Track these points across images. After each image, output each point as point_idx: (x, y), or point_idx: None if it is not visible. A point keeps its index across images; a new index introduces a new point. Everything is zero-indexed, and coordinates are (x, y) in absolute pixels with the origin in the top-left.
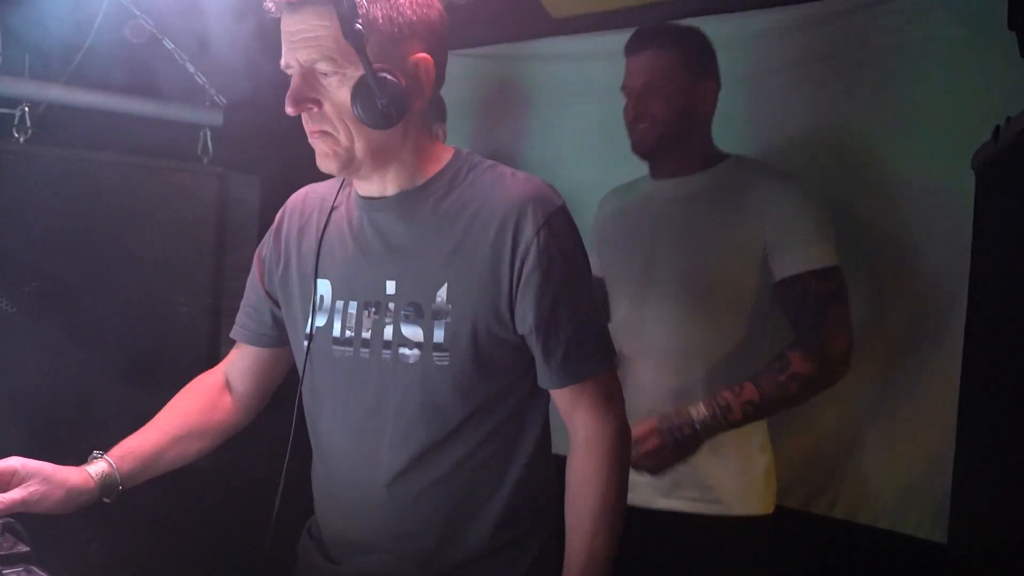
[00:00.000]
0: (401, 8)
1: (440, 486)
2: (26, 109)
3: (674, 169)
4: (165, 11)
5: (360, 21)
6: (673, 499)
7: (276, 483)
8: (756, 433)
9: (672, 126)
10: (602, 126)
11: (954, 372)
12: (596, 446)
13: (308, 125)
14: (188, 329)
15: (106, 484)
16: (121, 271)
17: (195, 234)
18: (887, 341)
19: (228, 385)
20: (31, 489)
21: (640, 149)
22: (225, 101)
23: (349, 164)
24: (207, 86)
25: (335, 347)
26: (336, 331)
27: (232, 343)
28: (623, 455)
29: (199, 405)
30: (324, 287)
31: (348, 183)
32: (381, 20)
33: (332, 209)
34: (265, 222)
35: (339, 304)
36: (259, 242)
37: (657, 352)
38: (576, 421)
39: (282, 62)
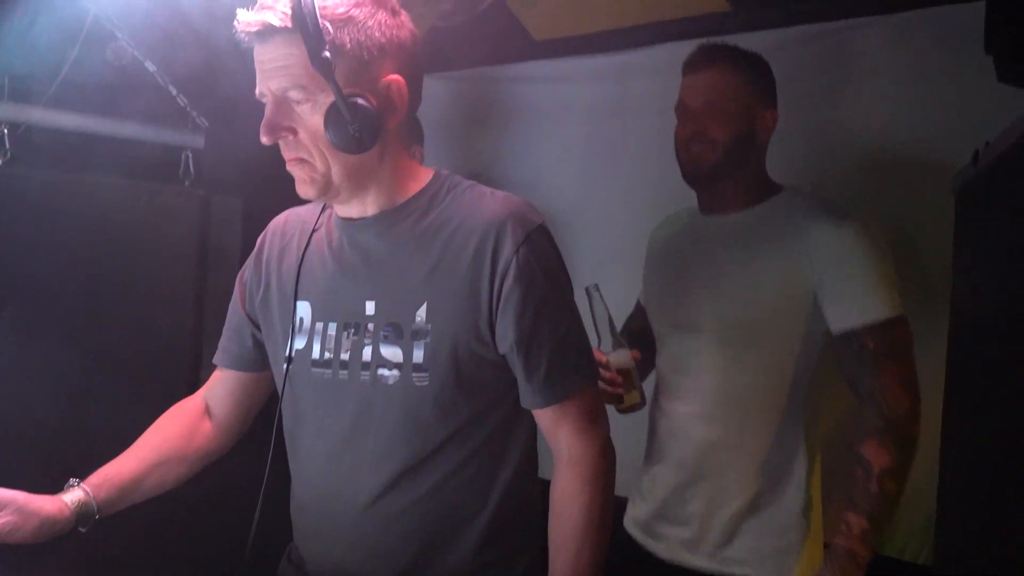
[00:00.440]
0: (370, 31)
1: (421, 507)
2: (5, 131)
3: (724, 203)
4: (147, 33)
5: (327, 48)
6: (698, 556)
7: (254, 508)
8: (797, 492)
9: (730, 152)
10: (584, 148)
11: (936, 398)
12: (580, 465)
13: (285, 153)
14: (169, 352)
15: (82, 513)
16: (101, 293)
17: (176, 256)
18: None
19: (208, 410)
20: (4, 520)
21: (692, 175)
22: (207, 123)
23: (327, 190)
24: (189, 108)
25: (314, 369)
26: (315, 353)
27: (214, 367)
28: (607, 473)
29: (178, 431)
30: (304, 309)
31: (329, 205)
32: (349, 45)
33: (313, 231)
34: (248, 244)
35: (319, 326)
36: (241, 264)
37: (695, 398)
38: (559, 440)
39: (256, 91)
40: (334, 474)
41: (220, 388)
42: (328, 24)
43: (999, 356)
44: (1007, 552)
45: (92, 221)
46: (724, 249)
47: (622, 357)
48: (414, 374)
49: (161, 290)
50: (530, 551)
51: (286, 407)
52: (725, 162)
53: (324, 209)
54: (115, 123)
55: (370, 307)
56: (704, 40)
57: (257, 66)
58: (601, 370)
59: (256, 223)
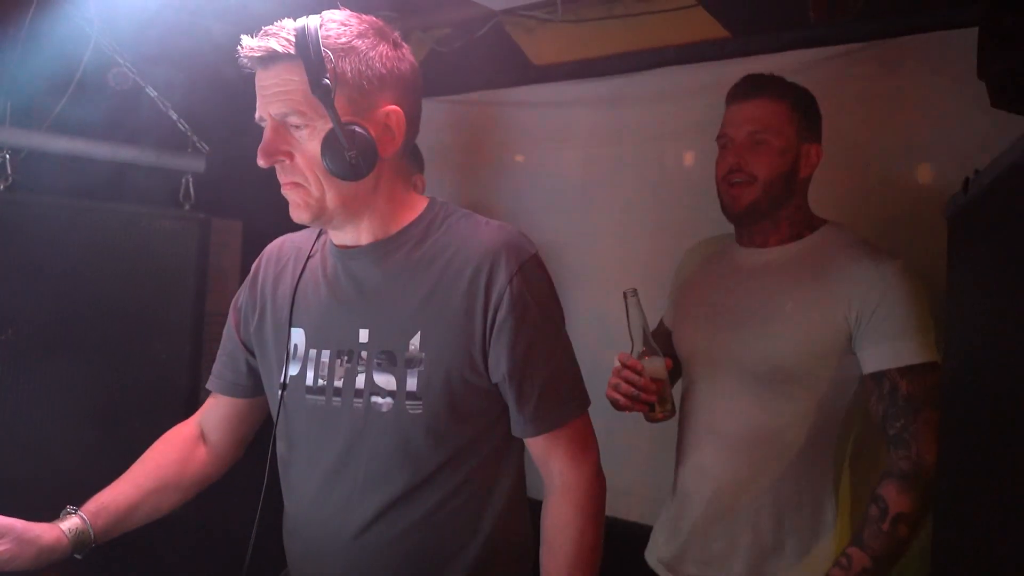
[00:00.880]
0: (371, 62)
1: (412, 535)
2: (7, 156)
3: (763, 239)
4: (148, 59)
5: (328, 76)
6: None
7: (248, 535)
8: (825, 538)
9: (772, 188)
10: (582, 172)
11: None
12: (571, 493)
13: (281, 177)
14: (167, 376)
15: (79, 541)
16: (101, 317)
17: (176, 281)
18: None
19: (203, 436)
20: (2, 548)
21: (732, 210)
22: (207, 148)
23: (321, 215)
24: (189, 133)
25: (308, 396)
26: (309, 380)
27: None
28: (599, 501)
29: (174, 457)
30: (298, 336)
31: (324, 232)
32: (350, 74)
33: (308, 258)
34: (247, 267)
35: (312, 353)
36: (239, 290)
37: (722, 434)
38: (551, 468)
39: (256, 115)
40: (326, 501)
41: (215, 414)
42: (330, 52)
43: (993, 386)
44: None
45: (93, 245)
46: (762, 284)
47: (656, 365)
48: (407, 402)
49: (161, 313)
50: None
51: (280, 433)
52: (765, 199)
53: (319, 236)
54: (116, 148)
55: (364, 335)
56: (747, 71)
57: (258, 91)
58: (635, 377)
59: (256, 246)
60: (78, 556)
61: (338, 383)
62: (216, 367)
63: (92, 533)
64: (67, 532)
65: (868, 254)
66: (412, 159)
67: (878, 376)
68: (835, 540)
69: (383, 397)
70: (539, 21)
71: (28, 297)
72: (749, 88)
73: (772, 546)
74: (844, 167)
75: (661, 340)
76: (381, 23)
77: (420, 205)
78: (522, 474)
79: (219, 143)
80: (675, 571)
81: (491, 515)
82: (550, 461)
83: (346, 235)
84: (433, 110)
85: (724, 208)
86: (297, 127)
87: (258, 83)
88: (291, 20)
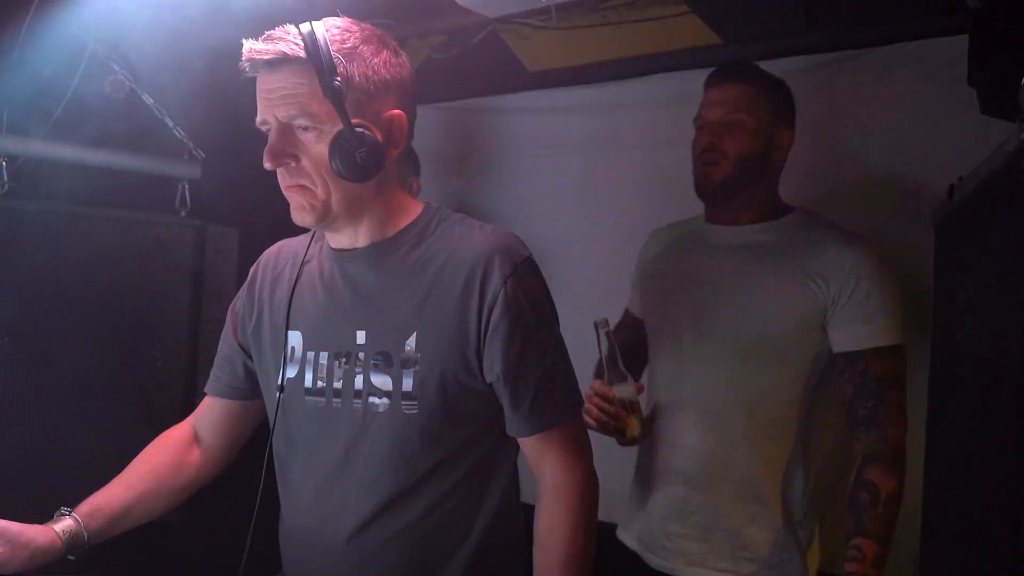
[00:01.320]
0: (376, 67)
1: (406, 536)
2: (3, 164)
3: (734, 217)
4: (144, 66)
5: (339, 79)
6: (701, 569)
7: (244, 537)
8: (798, 504)
9: (743, 166)
10: (576, 178)
11: (921, 430)
12: (564, 494)
13: (284, 180)
14: (163, 382)
15: (73, 542)
16: (97, 324)
17: (172, 287)
18: None
19: (197, 438)
20: None
21: (704, 186)
22: (203, 154)
23: (325, 216)
24: (185, 140)
25: (307, 397)
26: (308, 382)
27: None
28: (591, 502)
29: (167, 459)
30: (295, 338)
31: (320, 237)
32: (358, 78)
33: (304, 262)
34: (244, 273)
35: (310, 355)
36: (236, 294)
37: (698, 411)
38: (544, 469)
39: (258, 119)
40: (323, 502)
41: (210, 416)
42: (339, 56)
43: (980, 391)
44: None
45: (89, 252)
46: (731, 261)
47: (626, 391)
48: (403, 402)
49: (156, 319)
50: None
51: (278, 435)
52: (738, 176)
53: (315, 240)
54: (112, 155)
55: (361, 336)
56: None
57: (261, 94)
58: (606, 404)
59: (252, 252)
60: (71, 557)
61: (337, 384)
62: (213, 371)
63: (85, 534)
64: (60, 534)
65: (844, 236)
66: (409, 161)
67: (851, 356)
68: (807, 510)
69: (380, 398)
70: (534, 28)
71: (24, 304)
72: (725, 73)
73: (749, 517)
74: (836, 173)
75: (627, 331)
76: (381, 31)
77: (416, 209)
78: (515, 477)
79: (215, 150)
80: (651, 547)
81: (484, 516)
82: (544, 462)
83: (344, 238)
84: (429, 117)
85: (697, 186)
86: (304, 129)
87: (262, 86)
88: (293, 25)
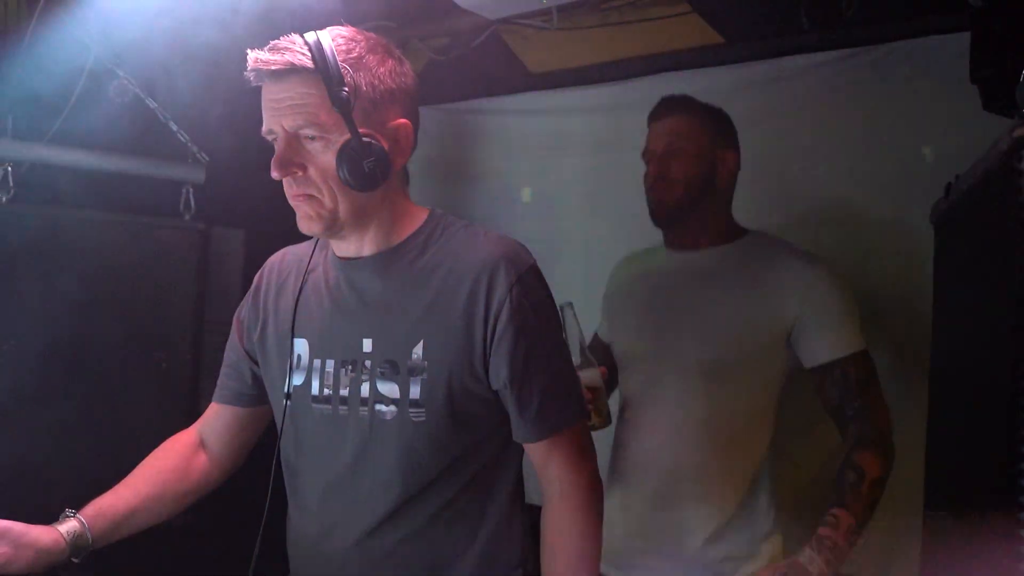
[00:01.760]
0: (382, 77)
1: (413, 542)
2: (9, 169)
3: (691, 241)
4: (148, 71)
5: (346, 89)
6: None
7: (251, 542)
8: (763, 520)
9: (691, 189)
10: (580, 180)
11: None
12: (571, 498)
13: (291, 189)
14: (168, 385)
15: (77, 544)
16: (102, 327)
17: (176, 290)
18: None
19: (203, 444)
20: (0, 551)
21: (658, 212)
22: (207, 158)
23: (332, 225)
24: (189, 144)
25: (315, 405)
26: (315, 389)
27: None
28: (597, 506)
29: (173, 465)
30: (301, 346)
31: (325, 244)
32: (364, 88)
33: (309, 270)
34: (249, 277)
35: (316, 363)
36: (242, 297)
37: (661, 430)
38: (550, 473)
39: (264, 128)
40: (331, 508)
41: (216, 422)
42: (346, 66)
43: (981, 390)
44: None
45: (94, 255)
46: (692, 284)
47: (591, 375)
48: (411, 410)
49: (161, 322)
50: None
51: (286, 442)
52: (686, 200)
53: (320, 248)
54: (117, 159)
55: (367, 344)
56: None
57: (267, 104)
58: None
59: (258, 255)
60: (75, 560)
61: (344, 392)
62: (220, 379)
63: (90, 537)
64: (65, 535)
65: (800, 257)
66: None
67: (829, 366)
68: (772, 525)
69: (387, 405)
70: (535, 29)
71: (30, 308)
72: (664, 108)
73: (713, 533)
74: (836, 171)
75: (598, 353)
76: (385, 40)
77: (421, 216)
78: (520, 482)
79: (219, 153)
80: (618, 565)
81: (490, 521)
82: (550, 467)
83: (349, 246)
84: (431, 119)
85: (652, 213)
86: (311, 139)
87: (268, 96)
88: (298, 35)
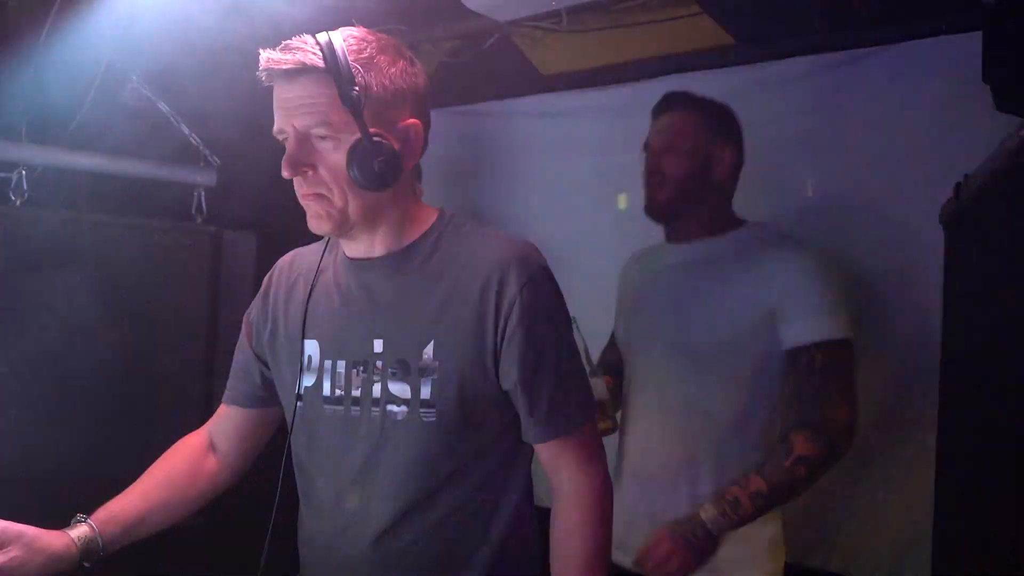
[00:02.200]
0: (393, 77)
1: (424, 542)
2: (23, 173)
3: (687, 233)
4: (160, 75)
5: (357, 88)
6: None
7: (261, 543)
8: None
9: (685, 185)
10: (591, 182)
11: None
12: (581, 498)
13: (301, 188)
14: (181, 388)
15: (88, 549)
16: (115, 331)
17: (189, 293)
18: (869, 400)
19: (213, 446)
20: (11, 555)
21: (652, 206)
22: (219, 161)
23: (343, 225)
24: (200, 147)
25: (326, 406)
26: (326, 390)
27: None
28: (607, 507)
29: (183, 468)
30: (312, 347)
31: (334, 245)
32: (375, 88)
33: (319, 271)
34: (262, 279)
35: (327, 364)
36: (251, 303)
37: (662, 416)
38: (561, 474)
39: (275, 128)
40: (343, 508)
41: (227, 424)
42: (357, 66)
43: (991, 389)
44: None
45: (107, 259)
46: (685, 275)
47: (596, 385)
48: (422, 410)
49: (174, 325)
50: None
51: (297, 443)
52: (679, 196)
53: (330, 249)
54: (129, 163)
55: (378, 345)
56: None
57: (279, 104)
58: None
59: (270, 258)
60: (86, 564)
61: (356, 392)
62: (230, 381)
63: (101, 541)
64: (76, 540)
65: (786, 243)
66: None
67: (797, 352)
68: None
69: (398, 406)
70: (545, 31)
71: (44, 310)
72: (665, 104)
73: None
74: (848, 172)
75: (613, 351)
76: (396, 40)
77: (430, 217)
78: (530, 482)
79: (230, 156)
80: (622, 547)
81: (500, 522)
82: (559, 467)
83: (359, 246)
84: (443, 121)
85: (647, 207)
86: (322, 139)
87: (280, 95)
88: (310, 35)
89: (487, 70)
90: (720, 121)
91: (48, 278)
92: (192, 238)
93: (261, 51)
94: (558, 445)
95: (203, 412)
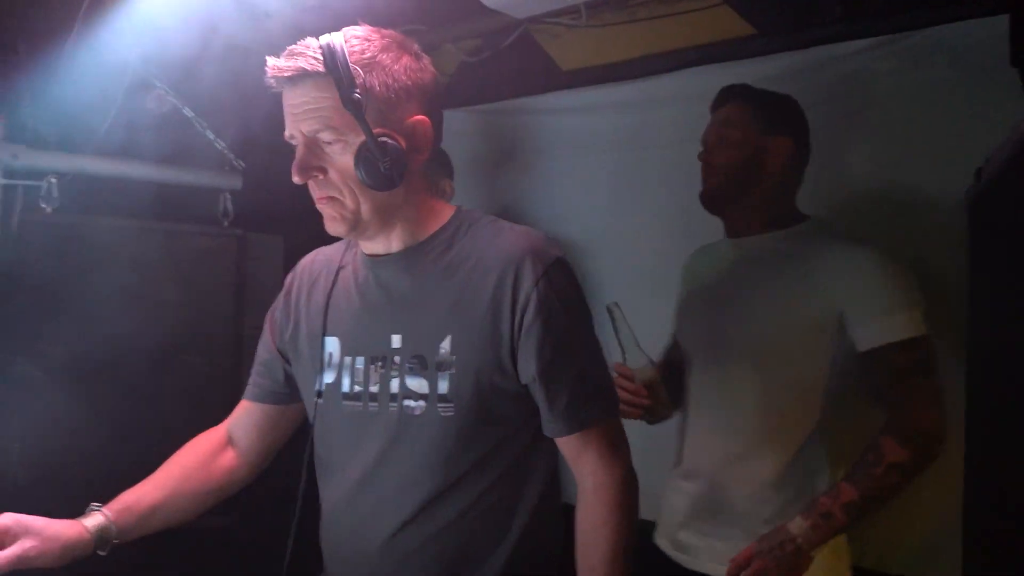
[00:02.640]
0: (396, 75)
1: (442, 538)
2: (53, 181)
3: (743, 227)
4: (184, 82)
5: (358, 91)
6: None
7: (285, 541)
8: (820, 486)
9: (735, 177)
10: (612, 178)
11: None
12: (604, 493)
13: (315, 192)
14: (208, 389)
15: (102, 537)
16: (144, 333)
17: (215, 296)
18: None
19: (232, 442)
20: (26, 545)
21: (703, 199)
22: (244, 165)
23: (357, 225)
24: (226, 151)
25: (345, 402)
26: (345, 386)
27: None
28: (631, 501)
29: (199, 462)
30: (332, 344)
31: (355, 243)
32: (378, 88)
33: (339, 269)
34: None
35: (347, 360)
36: (274, 302)
37: (721, 413)
38: (583, 468)
39: (286, 134)
40: (361, 504)
41: (247, 420)
42: (358, 68)
43: (1019, 370)
44: None
45: (135, 263)
46: (747, 270)
47: (646, 371)
48: (439, 405)
49: (201, 328)
50: None
51: (318, 440)
52: (729, 187)
53: (350, 247)
54: (156, 169)
55: (396, 340)
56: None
57: (287, 110)
58: (626, 383)
59: (296, 261)
60: (101, 552)
61: (373, 388)
62: (252, 377)
63: (114, 531)
64: (90, 529)
65: (852, 242)
66: (440, 165)
67: (873, 354)
68: None
69: (416, 401)
70: (566, 27)
71: (75, 314)
72: (721, 98)
73: (770, 517)
74: (871, 161)
75: (675, 351)
76: (402, 36)
77: (447, 212)
78: (554, 478)
79: (256, 160)
80: (680, 547)
81: (522, 516)
82: (582, 462)
83: (377, 244)
84: (464, 120)
85: (701, 199)
86: (329, 143)
87: (287, 102)
88: (314, 39)
89: (508, 68)
90: (776, 113)
91: (79, 282)
92: (218, 241)
93: (268, 58)
94: (579, 439)
95: (229, 411)
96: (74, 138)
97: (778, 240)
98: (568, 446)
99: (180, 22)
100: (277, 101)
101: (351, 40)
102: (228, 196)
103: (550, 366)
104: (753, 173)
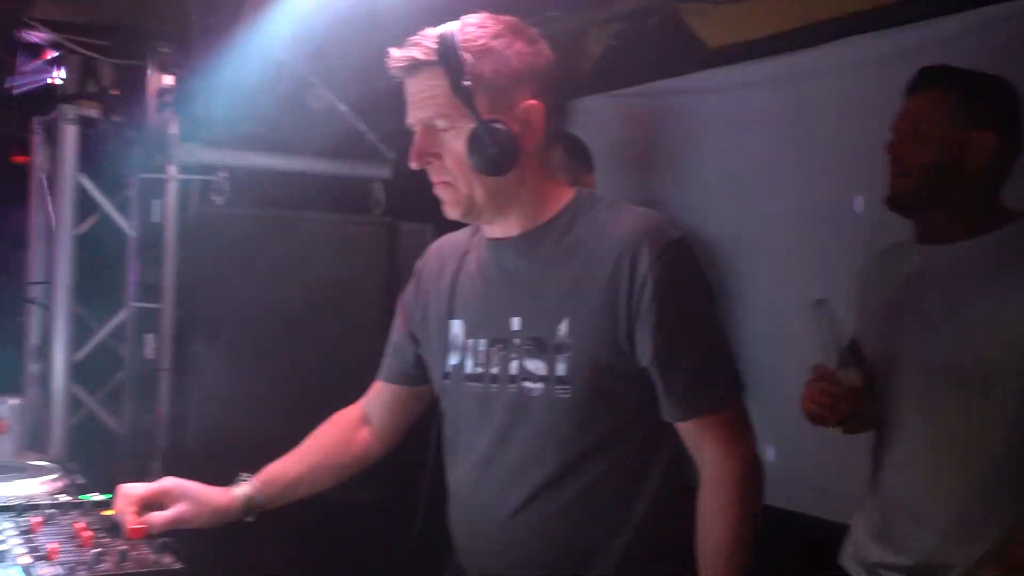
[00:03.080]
0: (508, 60)
1: (562, 519)
2: (224, 175)
3: (940, 233)
4: (330, 74)
5: (468, 78)
6: None
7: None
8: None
9: (928, 178)
10: (763, 157)
11: None
12: (725, 480)
13: (432, 177)
14: (361, 373)
15: (249, 506)
16: (304, 318)
17: (368, 281)
18: None
19: (367, 419)
20: (182, 509)
21: (891, 201)
22: (394, 155)
23: (471, 210)
24: (377, 142)
25: (468, 383)
26: (468, 368)
27: None
28: (753, 489)
29: (338, 438)
30: (458, 327)
31: (479, 229)
32: (488, 74)
33: (465, 253)
34: None
35: (471, 342)
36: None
37: (911, 446)
38: (704, 455)
39: (407, 121)
40: (483, 482)
41: (379, 400)
42: (469, 55)
43: None
44: None
45: (294, 251)
46: (952, 282)
47: (851, 376)
48: (557, 387)
49: (355, 313)
50: (676, 566)
51: (446, 419)
52: (925, 189)
53: (476, 232)
54: (315, 161)
55: (515, 323)
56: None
57: (407, 98)
58: (827, 386)
59: None
60: (250, 519)
61: (495, 370)
62: (385, 359)
63: (261, 500)
64: (239, 497)
65: None
66: (579, 159)
67: None
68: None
69: (534, 382)
70: (711, 3)
71: (241, 300)
72: (917, 81)
73: (963, 554)
74: None
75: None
76: (517, 21)
77: (566, 196)
78: (678, 464)
79: (407, 150)
80: (866, 566)
81: (642, 505)
82: (702, 448)
83: (497, 228)
84: (609, 106)
85: (886, 198)
86: (443, 129)
87: (407, 91)
88: (431, 28)
89: (653, 49)
90: (983, 101)
91: (244, 270)
92: (371, 229)
93: (390, 49)
94: (699, 424)
95: None
96: (241, 135)
97: (984, 247)
98: (687, 432)
99: (335, 23)
100: None
101: (465, 28)
102: (380, 186)
103: (667, 350)
104: (951, 173)
